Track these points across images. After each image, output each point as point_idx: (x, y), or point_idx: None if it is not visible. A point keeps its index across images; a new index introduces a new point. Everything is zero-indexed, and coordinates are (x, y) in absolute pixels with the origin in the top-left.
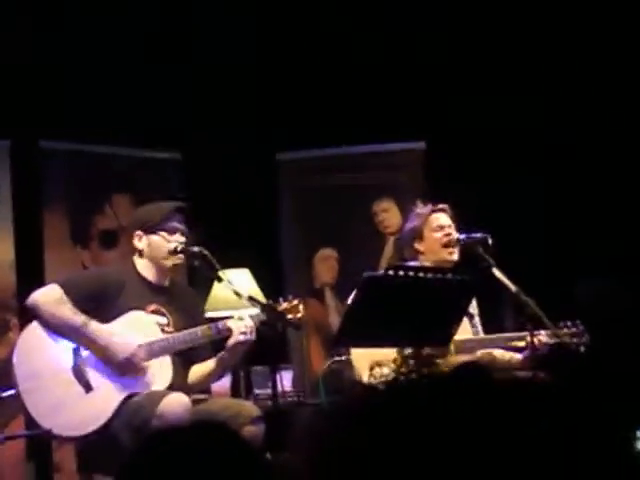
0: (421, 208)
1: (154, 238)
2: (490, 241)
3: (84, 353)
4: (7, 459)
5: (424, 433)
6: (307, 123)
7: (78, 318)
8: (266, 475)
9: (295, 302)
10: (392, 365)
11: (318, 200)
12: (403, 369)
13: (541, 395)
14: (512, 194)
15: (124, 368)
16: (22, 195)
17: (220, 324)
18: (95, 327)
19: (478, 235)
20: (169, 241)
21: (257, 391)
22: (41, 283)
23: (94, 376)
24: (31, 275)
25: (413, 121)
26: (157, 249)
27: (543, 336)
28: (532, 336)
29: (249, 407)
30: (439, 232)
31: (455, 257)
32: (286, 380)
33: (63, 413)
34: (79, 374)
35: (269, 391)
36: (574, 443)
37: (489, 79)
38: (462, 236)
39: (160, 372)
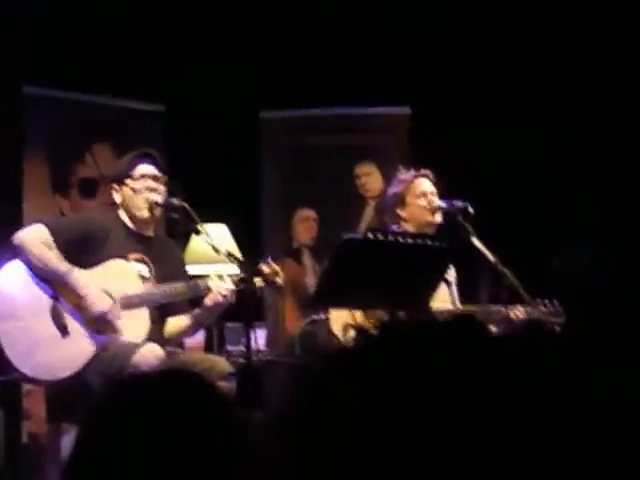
0: (404, 174)
1: (125, 189)
2: (470, 210)
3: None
4: None
5: (416, 381)
6: (293, 82)
7: (62, 265)
8: (240, 429)
9: (275, 266)
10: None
11: (300, 160)
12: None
13: (533, 353)
14: (497, 161)
15: (97, 322)
16: (2, 140)
17: (200, 283)
18: (77, 276)
19: (459, 203)
20: (137, 189)
21: (230, 348)
22: (18, 230)
23: (71, 321)
24: (9, 221)
25: (399, 86)
26: (129, 199)
27: (520, 311)
28: (508, 310)
29: (222, 363)
30: (422, 199)
31: (438, 219)
32: (259, 338)
33: (38, 355)
34: (57, 318)
35: (242, 348)
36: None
37: (475, 44)
38: (443, 204)
39: (137, 324)
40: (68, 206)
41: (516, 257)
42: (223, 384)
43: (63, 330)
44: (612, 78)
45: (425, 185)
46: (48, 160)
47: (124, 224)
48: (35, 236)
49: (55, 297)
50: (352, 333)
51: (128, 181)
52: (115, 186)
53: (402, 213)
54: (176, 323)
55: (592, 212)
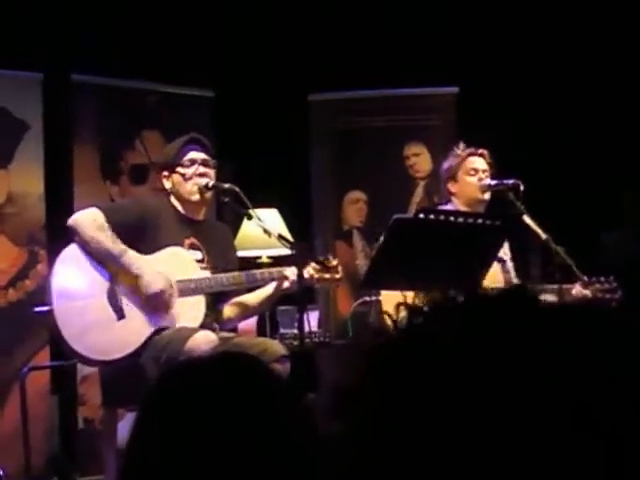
0: (460, 150)
1: (175, 176)
2: (522, 188)
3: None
4: (33, 391)
5: (467, 361)
6: (340, 64)
7: (117, 246)
8: (302, 413)
9: (334, 262)
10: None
11: (349, 142)
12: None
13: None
14: (546, 139)
15: (152, 301)
16: (53, 128)
17: (257, 273)
18: (132, 256)
19: (510, 181)
20: (187, 175)
21: (283, 331)
22: (70, 216)
23: (128, 305)
24: (60, 208)
25: (447, 66)
26: (180, 185)
27: (576, 290)
28: (562, 291)
29: (275, 345)
30: (473, 176)
31: (487, 197)
32: (312, 321)
33: (92, 336)
34: (113, 300)
35: (294, 331)
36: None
37: (523, 22)
38: (493, 182)
39: (193, 310)
40: (118, 193)
41: (568, 235)
42: (277, 366)
43: (119, 313)
44: None
45: (477, 163)
46: (98, 147)
47: (175, 209)
48: (89, 218)
49: (112, 280)
50: (404, 312)
51: (178, 168)
52: (165, 173)
53: (452, 188)
54: (234, 308)
55: None
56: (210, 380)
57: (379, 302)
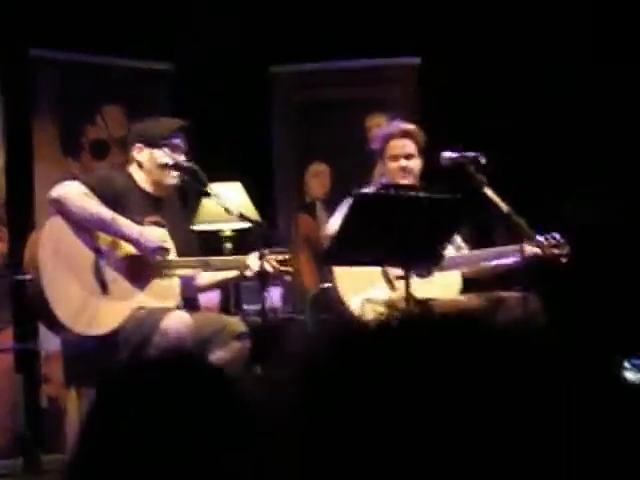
0: (385, 129)
1: (156, 152)
2: (482, 160)
3: (107, 254)
4: None
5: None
6: (301, 36)
7: (107, 211)
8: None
9: (287, 257)
10: (382, 307)
11: (311, 114)
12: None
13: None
14: (508, 110)
15: (157, 253)
16: (12, 104)
17: (239, 259)
18: (124, 219)
19: (470, 154)
20: (169, 161)
21: (246, 307)
22: (30, 193)
23: (112, 279)
24: (20, 185)
25: (408, 36)
26: (156, 165)
27: (528, 248)
28: (522, 250)
29: (235, 323)
30: (394, 162)
31: (406, 182)
32: (275, 296)
33: (85, 312)
34: (98, 274)
35: (258, 307)
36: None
37: None
38: (454, 154)
39: (169, 289)
40: (79, 169)
41: (529, 205)
42: (236, 344)
43: (103, 287)
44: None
45: (398, 148)
46: (58, 123)
47: (138, 186)
48: (75, 189)
49: (96, 253)
50: (369, 307)
51: (165, 148)
52: (141, 145)
53: (382, 169)
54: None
55: (604, 157)
56: (159, 384)
57: (336, 290)
